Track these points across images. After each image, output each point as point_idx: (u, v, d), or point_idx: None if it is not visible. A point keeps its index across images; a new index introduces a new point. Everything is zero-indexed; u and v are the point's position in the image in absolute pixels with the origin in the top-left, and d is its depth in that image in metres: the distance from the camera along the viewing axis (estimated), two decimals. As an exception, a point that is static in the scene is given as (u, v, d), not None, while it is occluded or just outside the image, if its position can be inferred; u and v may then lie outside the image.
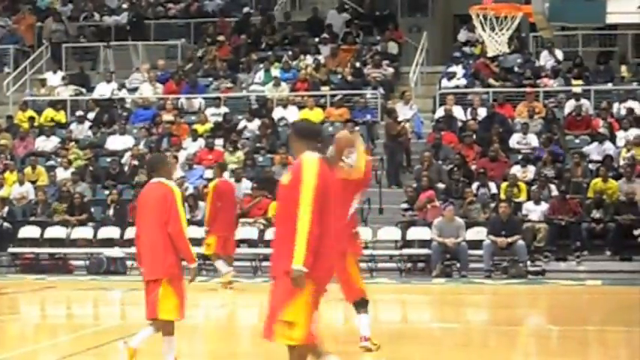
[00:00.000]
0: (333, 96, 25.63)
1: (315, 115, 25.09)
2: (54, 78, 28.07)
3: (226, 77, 27.10)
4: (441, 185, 21.90)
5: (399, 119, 23.59)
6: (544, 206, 20.73)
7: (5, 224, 22.31)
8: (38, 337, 13.08)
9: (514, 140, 23.28)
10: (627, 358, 11.29)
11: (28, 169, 24.04)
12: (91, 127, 25.93)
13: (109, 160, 24.22)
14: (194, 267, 9.04)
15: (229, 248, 17.44)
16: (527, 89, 24.60)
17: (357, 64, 26.53)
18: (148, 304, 8.93)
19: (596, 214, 20.60)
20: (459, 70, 26.00)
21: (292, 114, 25.01)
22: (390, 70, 26.49)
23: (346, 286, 10.27)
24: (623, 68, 25.57)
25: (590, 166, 22.02)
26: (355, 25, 28.62)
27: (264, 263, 19.87)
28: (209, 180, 20.84)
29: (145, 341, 9.12)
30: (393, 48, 27.54)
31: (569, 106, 24.09)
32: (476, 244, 20.03)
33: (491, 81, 25.39)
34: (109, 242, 21.68)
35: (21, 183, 23.45)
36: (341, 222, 9.24)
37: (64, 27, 30.28)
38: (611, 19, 14.41)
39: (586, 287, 18.38)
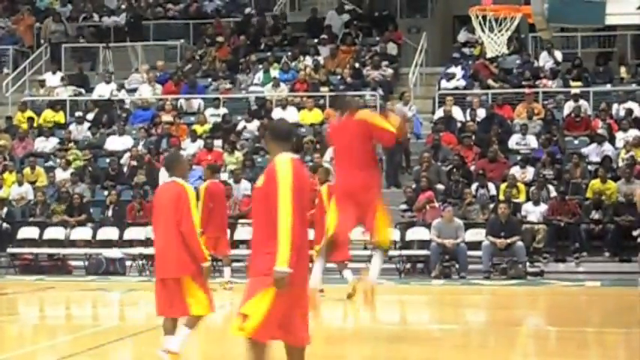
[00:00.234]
0: (332, 97, 25.63)
1: (315, 115, 25.13)
2: (53, 79, 28.07)
3: (225, 78, 27.11)
4: (440, 186, 21.90)
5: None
6: (543, 207, 20.74)
7: (4, 225, 22.30)
8: (37, 338, 13.07)
9: (513, 141, 23.29)
10: (626, 359, 11.30)
11: (27, 170, 24.04)
12: (90, 128, 25.93)
13: (108, 160, 24.21)
14: (207, 266, 9.10)
15: (222, 248, 17.43)
16: (527, 90, 24.61)
17: (357, 65, 26.54)
18: (173, 303, 8.97)
19: (595, 215, 20.60)
20: (458, 71, 26.01)
21: (291, 115, 24.99)
22: (390, 71, 26.49)
23: (373, 229, 10.58)
24: (623, 69, 25.58)
25: (589, 167, 22.02)
26: (354, 26, 28.63)
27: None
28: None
29: (186, 343, 9.18)
30: (392, 49, 27.55)
31: (568, 107, 24.10)
32: (475, 245, 20.03)
33: (490, 82, 25.40)
34: (107, 243, 21.68)
35: (20, 184, 23.45)
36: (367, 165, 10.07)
37: (64, 28, 30.28)
38: (610, 21, 14.41)
39: (585, 288, 18.38)
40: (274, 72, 26.77)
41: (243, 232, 20.68)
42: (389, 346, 11.78)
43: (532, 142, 23.07)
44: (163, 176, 22.99)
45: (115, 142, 25.00)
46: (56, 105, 26.84)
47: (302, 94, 25.87)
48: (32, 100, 27.58)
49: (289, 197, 6.84)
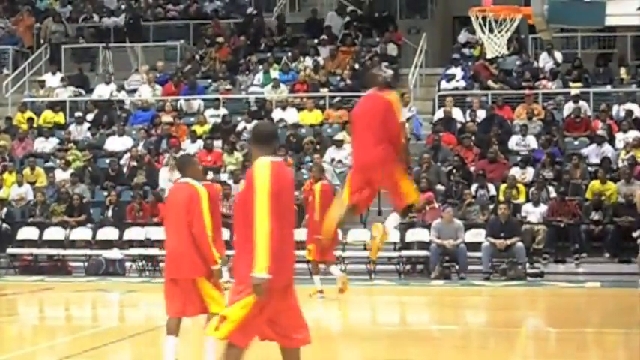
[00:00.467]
0: (332, 97, 25.64)
1: (314, 116, 25.13)
2: (53, 79, 28.06)
3: (225, 79, 27.10)
4: (439, 187, 21.90)
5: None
6: (543, 208, 20.73)
7: (4, 225, 22.29)
8: (36, 339, 13.08)
9: (513, 142, 23.28)
10: (626, 360, 11.31)
11: (27, 171, 24.03)
12: (90, 129, 25.92)
13: (107, 161, 24.20)
14: (217, 268, 9.09)
15: (218, 248, 17.40)
16: (526, 91, 24.61)
17: (357, 66, 26.53)
18: (191, 303, 8.97)
19: (594, 216, 20.60)
20: (458, 71, 26.00)
21: (291, 115, 25.02)
22: (389, 71, 26.46)
23: (395, 195, 10.57)
24: (622, 70, 25.57)
25: (589, 168, 22.02)
26: (354, 26, 28.63)
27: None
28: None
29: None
30: (392, 50, 27.54)
31: (568, 108, 24.08)
32: (475, 246, 20.03)
33: (490, 83, 25.40)
34: (107, 243, 21.67)
35: (20, 184, 23.44)
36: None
37: (64, 28, 30.27)
38: (610, 21, 14.41)
39: (585, 289, 18.38)
40: (274, 73, 26.77)
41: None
42: (389, 346, 11.79)
43: (532, 142, 23.07)
44: (163, 177, 23.11)
45: (114, 143, 25.00)
46: (56, 105, 26.83)
47: (302, 95, 25.87)
48: (32, 100, 27.57)
49: (266, 202, 6.74)
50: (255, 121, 24.73)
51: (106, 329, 13.36)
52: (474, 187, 21.62)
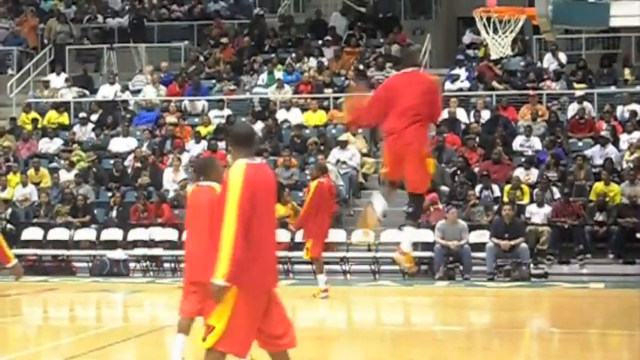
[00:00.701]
0: (336, 98, 25.62)
1: (319, 117, 25.13)
2: (57, 80, 28.08)
3: (229, 79, 27.10)
4: (444, 188, 21.89)
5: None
6: (547, 209, 20.71)
7: (8, 226, 22.30)
8: (41, 339, 13.09)
9: (517, 143, 23.26)
10: (630, 361, 11.31)
11: (31, 171, 24.05)
12: (94, 129, 25.95)
13: (112, 162, 24.22)
14: None
15: None
16: (531, 92, 24.58)
17: (361, 67, 26.53)
18: (208, 306, 8.93)
19: (599, 217, 20.57)
20: (462, 72, 25.99)
21: (295, 116, 25.03)
22: (394, 72, 26.45)
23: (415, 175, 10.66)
24: (627, 71, 25.54)
25: (594, 169, 22.00)
26: (358, 27, 28.63)
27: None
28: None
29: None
30: (396, 50, 27.53)
31: (573, 109, 24.06)
32: (479, 247, 20.02)
33: (494, 84, 25.38)
34: (111, 244, 21.67)
35: (24, 185, 23.46)
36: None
37: (68, 29, 30.28)
38: (614, 22, 14.43)
39: (589, 290, 18.37)
40: (278, 73, 26.77)
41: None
42: (393, 347, 11.79)
43: (536, 143, 23.05)
44: (167, 177, 23.13)
45: (119, 144, 25.02)
46: (60, 106, 26.83)
47: (306, 96, 25.86)
48: (36, 101, 27.59)
49: (234, 208, 6.63)
50: (259, 122, 24.87)
51: (110, 330, 13.37)
52: (478, 187, 21.61)
